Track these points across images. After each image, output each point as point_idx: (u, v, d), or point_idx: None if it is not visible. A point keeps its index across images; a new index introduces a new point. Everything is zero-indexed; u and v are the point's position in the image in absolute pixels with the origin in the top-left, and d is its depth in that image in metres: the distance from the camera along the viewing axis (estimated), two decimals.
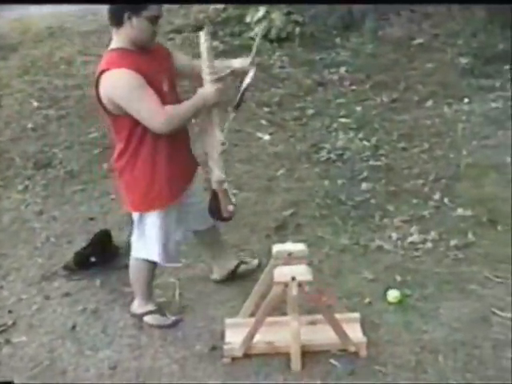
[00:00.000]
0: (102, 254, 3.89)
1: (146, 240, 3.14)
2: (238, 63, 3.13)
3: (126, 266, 3.79)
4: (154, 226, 3.08)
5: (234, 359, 2.99)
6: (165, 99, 2.85)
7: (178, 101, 2.96)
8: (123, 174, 3.06)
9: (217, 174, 3.03)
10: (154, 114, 2.80)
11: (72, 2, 8.90)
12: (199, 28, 8.08)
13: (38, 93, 6.74)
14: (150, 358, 3.10)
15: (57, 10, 9.42)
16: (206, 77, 2.91)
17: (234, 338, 3.01)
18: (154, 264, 3.25)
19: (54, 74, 7.23)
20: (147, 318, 3.33)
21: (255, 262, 3.65)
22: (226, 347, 3.00)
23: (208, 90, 2.91)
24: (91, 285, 3.71)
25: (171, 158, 2.99)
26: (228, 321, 3.15)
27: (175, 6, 9.24)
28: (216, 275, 3.60)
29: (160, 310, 3.36)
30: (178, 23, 8.52)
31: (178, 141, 3.02)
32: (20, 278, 3.85)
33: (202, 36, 2.89)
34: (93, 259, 3.86)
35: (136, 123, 2.86)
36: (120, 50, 2.87)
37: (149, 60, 2.87)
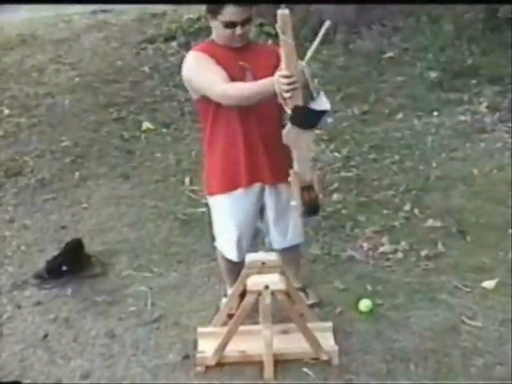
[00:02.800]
0: (74, 263, 3.87)
1: (218, 229, 3.20)
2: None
3: (98, 275, 3.83)
4: (222, 211, 3.12)
5: (206, 368, 2.99)
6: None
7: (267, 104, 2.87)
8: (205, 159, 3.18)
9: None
10: (213, 83, 2.81)
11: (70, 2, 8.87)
12: (172, 38, 8.19)
13: (8, 100, 6.70)
14: (123, 367, 3.08)
15: (28, 17, 9.38)
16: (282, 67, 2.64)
17: (207, 347, 3.02)
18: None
19: (25, 82, 7.19)
20: (222, 301, 3.37)
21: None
22: (198, 356, 3.01)
23: (273, 78, 2.64)
24: (63, 293, 3.68)
25: (242, 147, 2.96)
26: (200, 330, 3.15)
27: (147, 16, 9.28)
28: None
29: None
30: (151, 33, 8.53)
31: (252, 133, 2.96)
32: None
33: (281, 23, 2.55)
34: (64, 268, 3.83)
35: (208, 107, 2.94)
36: (209, 42, 2.99)
37: (235, 56, 2.89)
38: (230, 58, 2.89)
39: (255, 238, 3.30)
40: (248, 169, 2.99)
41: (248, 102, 2.83)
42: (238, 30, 2.86)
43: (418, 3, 7.55)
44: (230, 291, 3.33)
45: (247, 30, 2.90)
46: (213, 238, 3.35)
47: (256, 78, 2.88)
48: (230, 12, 2.82)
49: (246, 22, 2.87)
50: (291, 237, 3.24)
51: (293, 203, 2.88)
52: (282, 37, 2.54)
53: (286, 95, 2.60)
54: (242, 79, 2.88)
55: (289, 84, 2.56)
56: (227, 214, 3.11)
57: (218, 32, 2.91)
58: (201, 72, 2.88)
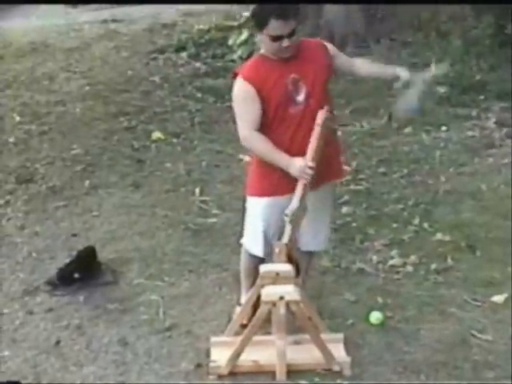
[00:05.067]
0: (86, 271, 3.90)
1: (248, 227, 3.29)
2: None
3: (110, 283, 3.86)
4: (255, 211, 3.22)
5: (219, 377, 3.02)
6: (289, 98, 3.00)
7: (320, 98, 3.04)
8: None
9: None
10: (241, 125, 3.07)
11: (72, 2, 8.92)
12: (182, 48, 8.25)
13: (19, 108, 6.74)
14: (135, 375, 3.11)
15: (39, 25, 9.44)
16: (308, 158, 2.96)
17: (220, 356, 3.04)
18: (254, 257, 3.30)
19: (36, 90, 7.23)
20: (235, 309, 3.42)
21: None
22: (211, 365, 3.04)
23: (297, 164, 2.96)
24: (74, 300, 3.71)
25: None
26: (213, 339, 3.18)
27: (158, 26, 9.34)
28: None
29: None
30: (161, 43, 8.59)
31: (299, 144, 3.04)
32: (1, 293, 3.83)
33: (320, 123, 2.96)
34: (76, 275, 3.86)
35: (264, 113, 3.07)
36: (259, 56, 3.12)
37: (285, 68, 3.01)
38: (280, 72, 3.00)
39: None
40: (287, 179, 3.04)
41: (258, 154, 3.14)
42: (285, 43, 2.95)
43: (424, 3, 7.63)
44: (243, 298, 3.38)
45: (294, 41, 2.98)
46: (241, 236, 3.41)
47: (308, 85, 3.02)
48: (274, 26, 2.92)
49: (291, 34, 2.95)
50: (319, 241, 3.34)
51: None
52: (317, 133, 2.95)
53: (304, 181, 2.95)
54: (297, 91, 3.00)
55: (310, 174, 2.94)
56: (259, 214, 3.20)
57: (265, 45, 3.04)
58: (240, 108, 3.08)
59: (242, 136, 3.07)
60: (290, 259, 2.98)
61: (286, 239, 2.97)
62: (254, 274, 3.23)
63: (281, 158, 3.01)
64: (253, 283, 3.27)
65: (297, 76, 3.01)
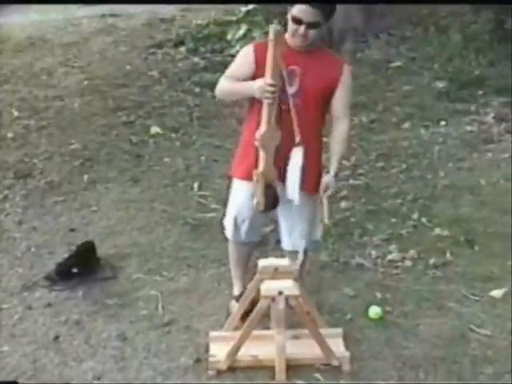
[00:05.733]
0: (85, 266, 3.89)
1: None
2: None
3: (108, 278, 3.86)
4: (232, 194, 3.30)
5: (218, 372, 3.02)
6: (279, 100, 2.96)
7: (308, 104, 3.02)
8: None
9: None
10: (226, 72, 3.18)
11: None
12: (180, 43, 8.23)
13: (18, 103, 6.71)
14: (135, 370, 3.11)
15: (38, 20, 9.42)
16: (266, 76, 2.93)
17: (219, 351, 3.04)
18: (238, 245, 3.36)
19: (34, 85, 7.21)
20: (230, 303, 3.46)
21: None
22: (210, 360, 3.04)
23: (257, 85, 2.95)
24: (73, 296, 3.71)
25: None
26: (212, 334, 3.18)
27: (156, 20, 9.31)
28: None
29: (239, 297, 3.39)
30: (160, 38, 8.57)
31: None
32: (0, 288, 3.82)
33: (272, 38, 2.91)
34: (75, 270, 3.86)
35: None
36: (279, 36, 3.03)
37: (292, 58, 2.99)
38: (285, 58, 2.96)
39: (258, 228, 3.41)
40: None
41: (227, 97, 3.37)
42: (301, 30, 2.96)
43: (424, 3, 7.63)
44: (236, 290, 3.44)
45: (310, 34, 2.98)
46: None
47: (302, 85, 3.00)
48: (298, 8, 2.96)
49: (312, 25, 2.96)
50: (294, 241, 3.28)
51: (254, 201, 3.07)
52: (271, 48, 2.89)
53: (267, 101, 2.91)
54: (290, 82, 2.99)
55: (272, 92, 2.89)
56: (233, 196, 3.29)
57: (289, 26, 3.02)
58: (234, 62, 3.20)
59: (218, 84, 3.17)
60: (269, 187, 3.01)
61: (261, 167, 2.98)
62: (242, 264, 3.41)
63: (243, 87, 3.06)
64: (242, 271, 3.39)
65: (296, 70, 3.01)
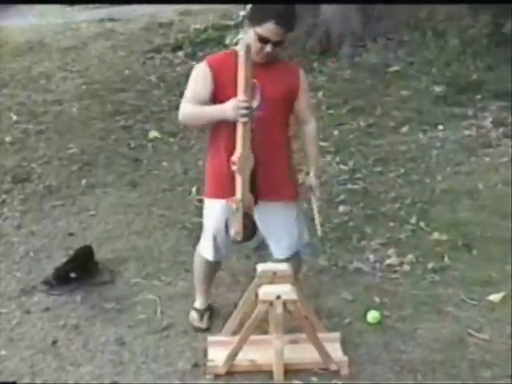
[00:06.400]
0: (83, 270, 3.89)
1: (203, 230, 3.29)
2: None
3: (106, 282, 3.86)
4: (206, 215, 3.23)
5: (216, 376, 3.01)
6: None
7: (271, 117, 2.97)
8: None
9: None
10: (185, 97, 3.02)
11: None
12: (178, 48, 8.25)
13: (16, 107, 6.73)
14: (132, 375, 3.10)
15: (36, 24, 9.43)
16: (239, 94, 2.81)
17: (217, 356, 3.04)
18: (207, 261, 3.32)
19: (32, 89, 7.24)
20: (190, 314, 3.44)
21: None
22: (209, 364, 3.03)
23: (230, 105, 2.81)
24: (71, 300, 3.70)
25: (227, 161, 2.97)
26: (210, 338, 3.18)
27: (155, 25, 9.34)
28: None
29: (202, 311, 3.42)
30: (158, 42, 8.59)
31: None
32: None
33: (243, 54, 2.77)
34: (73, 275, 3.85)
35: None
36: (231, 51, 3.05)
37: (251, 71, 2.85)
38: (236, 69, 2.85)
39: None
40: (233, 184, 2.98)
41: (194, 123, 3.15)
42: (268, 48, 2.90)
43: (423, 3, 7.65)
44: (198, 303, 3.46)
45: (276, 51, 2.95)
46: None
47: (264, 97, 2.94)
48: (269, 29, 2.86)
49: (278, 43, 2.92)
50: (284, 249, 3.26)
51: (232, 231, 2.97)
52: (242, 64, 2.75)
53: (243, 120, 2.77)
54: (252, 97, 2.86)
55: (246, 108, 2.76)
56: (210, 217, 3.21)
57: (248, 40, 2.91)
58: (190, 84, 3.03)
59: (180, 110, 3.02)
60: (246, 215, 2.91)
61: (239, 193, 2.87)
62: (210, 280, 3.42)
63: (213, 111, 2.92)
64: (207, 287, 3.42)
65: (256, 83, 2.90)
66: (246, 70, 2.75)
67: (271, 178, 3.04)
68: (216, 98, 2.96)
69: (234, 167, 2.84)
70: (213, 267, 3.39)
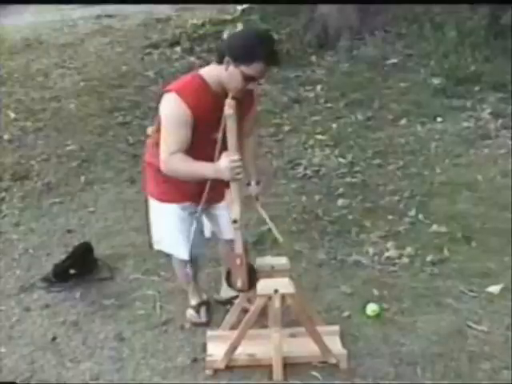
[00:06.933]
0: (82, 267, 3.89)
1: (164, 233, 3.23)
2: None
3: (106, 279, 3.86)
4: (164, 219, 3.17)
5: (215, 371, 3.02)
6: (212, 144, 2.81)
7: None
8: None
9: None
10: (166, 149, 2.83)
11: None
12: (176, 43, 8.24)
13: (14, 104, 6.73)
14: (132, 370, 3.11)
15: (33, 21, 9.42)
16: (230, 151, 2.75)
17: (216, 351, 3.04)
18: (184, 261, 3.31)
19: (30, 86, 7.23)
20: (187, 312, 3.44)
21: None
22: (208, 359, 3.03)
23: (225, 166, 2.73)
24: (71, 297, 3.71)
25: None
26: (209, 333, 3.18)
27: (152, 21, 9.32)
28: (223, 294, 3.55)
29: (196, 306, 3.43)
30: (155, 38, 8.57)
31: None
32: None
33: (228, 109, 2.69)
34: (72, 271, 3.86)
35: None
36: (199, 80, 2.84)
37: (219, 101, 2.75)
38: (215, 104, 2.77)
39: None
40: (190, 190, 3.01)
41: (182, 179, 2.91)
42: (252, 86, 2.82)
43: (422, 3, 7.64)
44: (193, 301, 3.46)
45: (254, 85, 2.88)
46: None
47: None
48: (257, 69, 2.74)
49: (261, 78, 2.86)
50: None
51: (239, 284, 2.94)
52: (230, 124, 2.69)
53: (238, 177, 2.76)
54: (212, 129, 2.79)
55: (240, 167, 2.74)
56: (169, 219, 3.15)
57: (227, 78, 2.77)
58: (171, 129, 2.82)
59: (163, 158, 2.84)
60: (248, 267, 2.90)
61: (239, 248, 2.85)
62: (195, 278, 3.43)
63: (205, 171, 2.81)
64: (197, 285, 3.44)
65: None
66: (234, 129, 2.70)
67: (220, 185, 2.96)
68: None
69: (235, 225, 2.81)
70: (193, 264, 3.36)
